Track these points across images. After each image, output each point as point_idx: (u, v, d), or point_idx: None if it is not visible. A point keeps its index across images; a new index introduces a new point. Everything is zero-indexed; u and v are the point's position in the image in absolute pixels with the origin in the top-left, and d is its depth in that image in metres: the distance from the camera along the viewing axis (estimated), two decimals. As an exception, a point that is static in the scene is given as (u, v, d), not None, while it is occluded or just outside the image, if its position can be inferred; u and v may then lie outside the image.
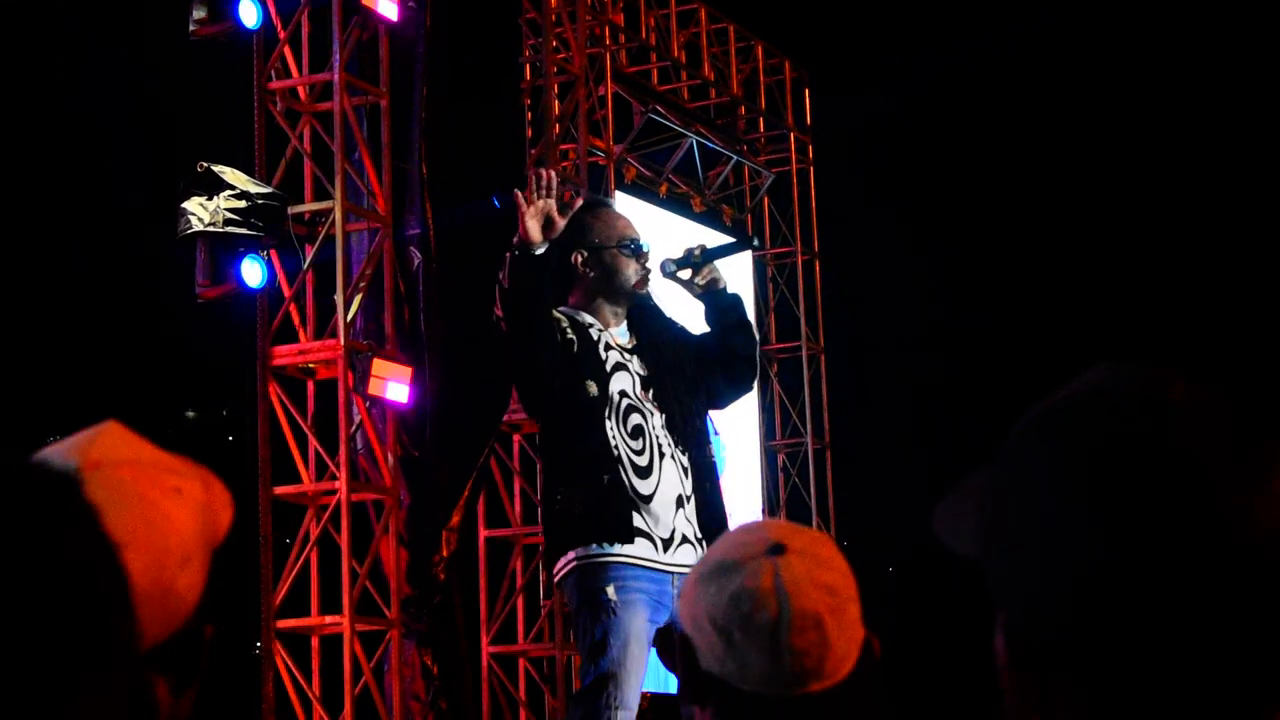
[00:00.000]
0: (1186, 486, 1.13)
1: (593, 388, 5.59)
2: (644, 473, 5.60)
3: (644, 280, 5.78)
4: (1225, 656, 1.13)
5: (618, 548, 5.46)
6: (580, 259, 5.78)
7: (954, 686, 14.01)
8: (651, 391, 5.71)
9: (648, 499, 5.56)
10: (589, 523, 5.50)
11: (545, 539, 5.80)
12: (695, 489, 5.68)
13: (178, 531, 1.75)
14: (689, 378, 5.84)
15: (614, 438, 5.57)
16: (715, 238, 13.07)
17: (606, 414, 5.59)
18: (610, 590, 5.36)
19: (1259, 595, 1.12)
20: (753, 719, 2.21)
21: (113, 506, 1.69)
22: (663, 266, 5.88)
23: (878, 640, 2.28)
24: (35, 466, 1.17)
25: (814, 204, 14.24)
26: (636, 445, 5.62)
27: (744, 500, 12.89)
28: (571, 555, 5.50)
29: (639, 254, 5.77)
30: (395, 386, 9.24)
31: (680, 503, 5.62)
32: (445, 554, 9.84)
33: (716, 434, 10.01)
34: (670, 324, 5.98)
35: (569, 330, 5.64)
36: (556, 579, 5.66)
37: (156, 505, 1.76)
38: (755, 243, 8.88)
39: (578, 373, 5.60)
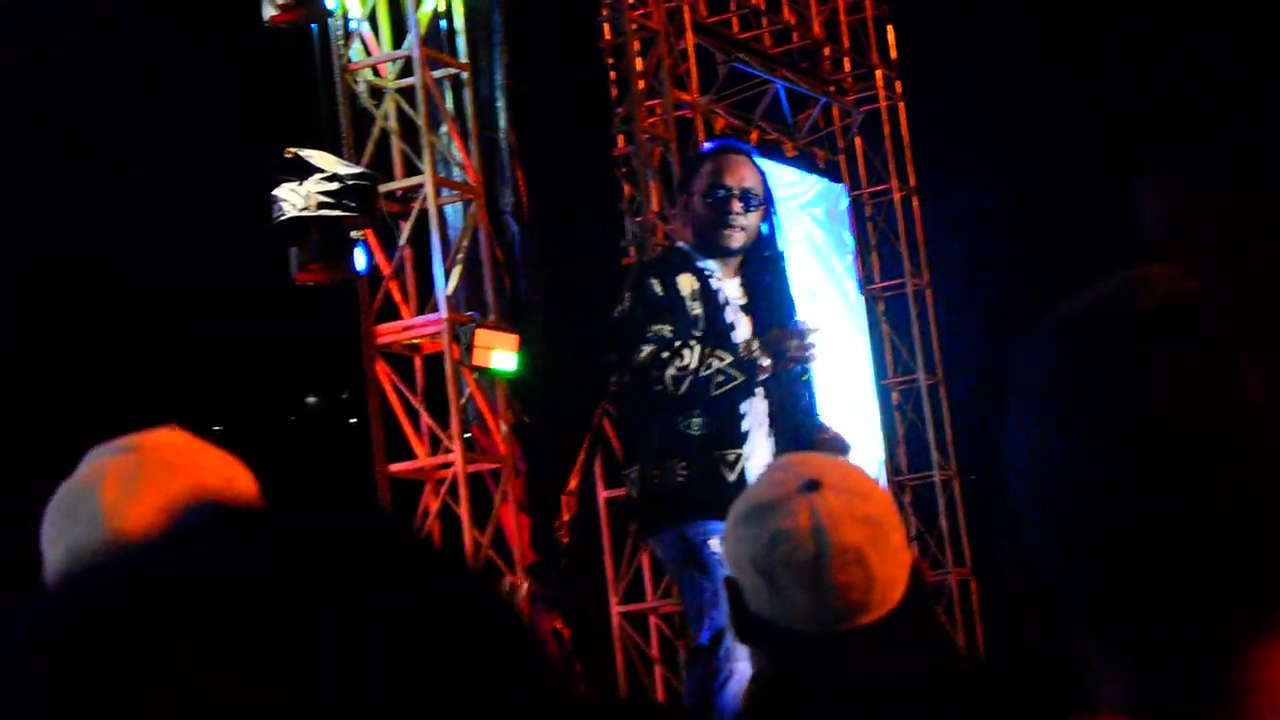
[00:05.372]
0: (1150, 403, 1.11)
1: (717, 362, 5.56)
2: (743, 440, 5.57)
3: (721, 229, 5.69)
4: (1198, 573, 1.11)
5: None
6: (683, 204, 5.80)
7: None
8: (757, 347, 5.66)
9: (749, 460, 5.55)
10: (689, 499, 5.46)
11: (638, 513, 5.76)
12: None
13: None
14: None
15: (724, 413, 5.55)
16: (810, 182, 13.02)
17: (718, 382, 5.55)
18: (714, 543, 5.29)
19: (1226, 516, 1.10)
20: (803, 657, 2.17)
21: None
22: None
23: (925, 564, 2.25)
24: None
25: (906, 139, 14.14)
26: (742, 409, 5.60)
27: (863, 442, 12.83)
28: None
29: (721, 204, 5.68)
30: (501, 355, 9.25)
31: None
32: (566, 518, 9.86)
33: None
34: (785, 288, 5.89)
35: (695, 300, 5.61)
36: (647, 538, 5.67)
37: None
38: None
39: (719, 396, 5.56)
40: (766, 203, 5.76)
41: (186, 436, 2.12)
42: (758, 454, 5.58)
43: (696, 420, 5.54)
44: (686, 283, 5.62)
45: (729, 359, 5.51)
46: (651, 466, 5.59)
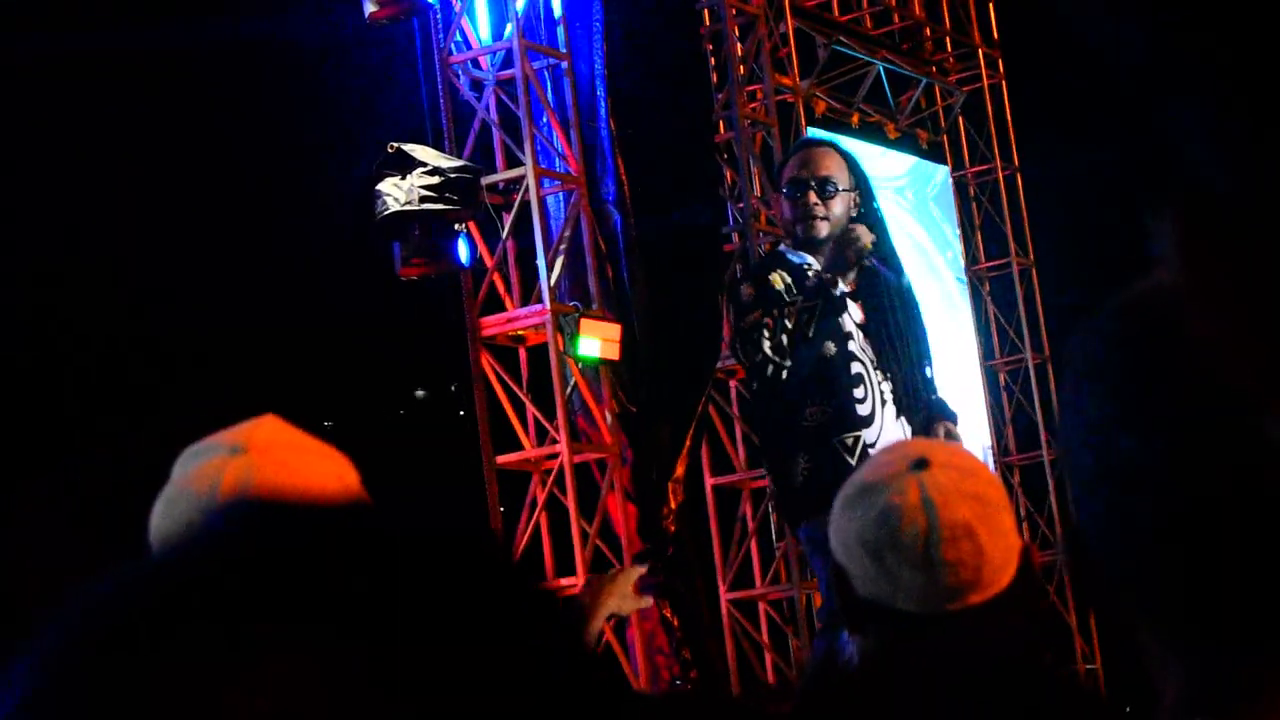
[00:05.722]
0: (1199, 393, 1.09)
1: (830, 348, 5.57)
2: (865, 422, 5.57)
3: (804, 221, 5.69)
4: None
5: None
6: (776, 204, 5.94)
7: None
8: (868, 336, 5.65)
9: (872, 446, 5.53)
10: (816, 495, 5.46)
11: (779, 511, 5.84)
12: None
13: None
14: (899, 322, 5.75)
15: (839, 396, 5.55)
16: (940, 174, 12.95)
17: (832, 371, 5.56)
18: None
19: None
20: (913, 639, 2.15)
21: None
22: None
23: (1034, 546, 2.23)
24: None
25: (1009, 118, 14.04)
26: (859, 394, 5.59)
27: (969, 422, 12.75)
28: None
29: (800, 197, 5.69)
30: (605, 344, 9.26)
31: None
32: (674, 506, 9.85)
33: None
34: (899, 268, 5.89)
35: (789, 291, 5.61)
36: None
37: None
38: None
39: (814, 334, 5.57)
40: (858, 188, 5.75)
41: (290, 430, 2.08)
42: (886, 434, 5.57)
43: (811, 410, 5.55)
44: (778, 279, 5.63)
45: (799, 298, 5.54)
46: (778, 466, 5.66)
